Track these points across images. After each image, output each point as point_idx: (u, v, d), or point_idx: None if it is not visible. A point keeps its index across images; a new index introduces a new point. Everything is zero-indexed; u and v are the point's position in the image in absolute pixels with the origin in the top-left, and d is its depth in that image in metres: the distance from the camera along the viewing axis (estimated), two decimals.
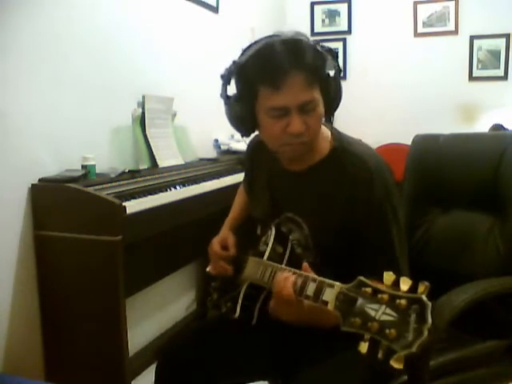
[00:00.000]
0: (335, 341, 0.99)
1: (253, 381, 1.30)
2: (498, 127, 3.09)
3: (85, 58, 1.87)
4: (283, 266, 1.07)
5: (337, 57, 1.07)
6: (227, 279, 1.27)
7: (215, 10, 2.83)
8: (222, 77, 1.11)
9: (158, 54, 2.32)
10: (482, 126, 3.32)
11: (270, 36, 1.06)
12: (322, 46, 1.06)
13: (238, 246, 1.29)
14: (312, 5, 3.93)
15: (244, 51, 1.08)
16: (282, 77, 0.99)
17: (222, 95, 1.11)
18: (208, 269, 1.35)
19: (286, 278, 0.98)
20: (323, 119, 1.10)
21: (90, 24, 1.89)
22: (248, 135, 1.14)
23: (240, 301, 1.15)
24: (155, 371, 1.20)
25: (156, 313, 2.33)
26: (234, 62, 1.08)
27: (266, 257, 1.14)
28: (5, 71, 1.56)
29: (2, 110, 1.55)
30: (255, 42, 1.06)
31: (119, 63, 2.06)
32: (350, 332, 0.78)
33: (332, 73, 1.06)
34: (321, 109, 1.05)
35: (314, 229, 1.13)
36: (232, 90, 1.10)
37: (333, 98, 1.08)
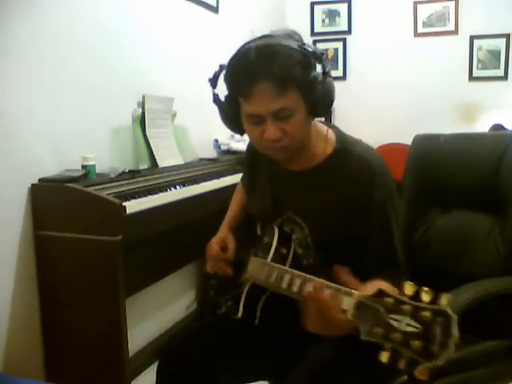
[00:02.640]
0: (336, 340, 0.99)
1: (253, 381, 1.30)
2: (497, 127, 3.10)
3: (85, 57, 1.87)
4: (287, 267, 1.07)
5: (321, 57, 1.03)
6: (227, 278, 1.27)
7: (215, 10, 2.83)
8: (210, 81, 1.12)
9: (158, 54, 2.32)
10: (482, 125, 3.32)
11: (260, 37, 1.04)
12: (308, 48, 1.02)
13: (237, 245, 1.29)
14: (312, 5, 3.93)
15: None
16: (250, 87, 0.99)
17: (213, 100, 1.13)
18: (206, 267, 1.34)
19: (328, 300, 0.89)
20: (314, 120, 1.10)
21: (90, 24, 1.89)
22: (242, 134, 1.15)
23: (243, 300, 1.15)
24: (157, 371, 1.19)
25: (156, 313, 2.33)
26: (221, 66, 1.09)
27: (269, 258, 1.14)
28: (5, 71, 1.56)
29: (2, 110, 1.55)
30: (242, 46, 1.05)
31: (119, 63, 2.06)
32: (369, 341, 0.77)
33: (317, 76, 1.03)
34: (300, 115, 1.03)
35: (315, 229, 1.13)
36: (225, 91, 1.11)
37: (318, 101, 1.04)
